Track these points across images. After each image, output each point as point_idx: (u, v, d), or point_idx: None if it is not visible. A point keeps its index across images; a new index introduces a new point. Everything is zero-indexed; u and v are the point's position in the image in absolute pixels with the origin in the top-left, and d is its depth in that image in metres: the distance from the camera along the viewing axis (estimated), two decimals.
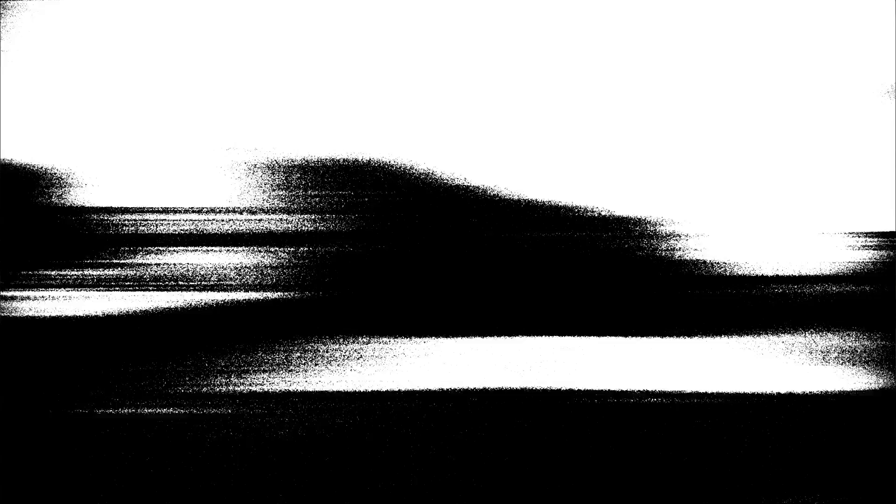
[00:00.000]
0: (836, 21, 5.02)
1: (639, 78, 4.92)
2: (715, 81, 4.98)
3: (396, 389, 4.03)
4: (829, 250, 4.63)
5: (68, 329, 4.17)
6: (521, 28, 4.86)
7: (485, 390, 4.03)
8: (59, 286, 4.26)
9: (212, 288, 4.28)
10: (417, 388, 4.03)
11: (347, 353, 4.21)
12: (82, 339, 4.16)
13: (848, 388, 4.12)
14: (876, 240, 4.53)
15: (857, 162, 4.91)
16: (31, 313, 4.19)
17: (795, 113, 4.96)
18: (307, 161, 4.46)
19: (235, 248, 4.35)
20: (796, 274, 4.48)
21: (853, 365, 4.23)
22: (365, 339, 4.23)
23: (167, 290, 4.26)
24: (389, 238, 4.36)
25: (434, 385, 4.06)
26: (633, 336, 4.24)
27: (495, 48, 4.84)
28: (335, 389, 4.07)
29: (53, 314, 4.19)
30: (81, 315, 4.20)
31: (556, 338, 4.25)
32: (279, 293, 4.29)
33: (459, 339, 4.22)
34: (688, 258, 4.46)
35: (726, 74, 5.00)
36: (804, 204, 4.81)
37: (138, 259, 4.32)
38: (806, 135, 4.95)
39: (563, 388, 4.05)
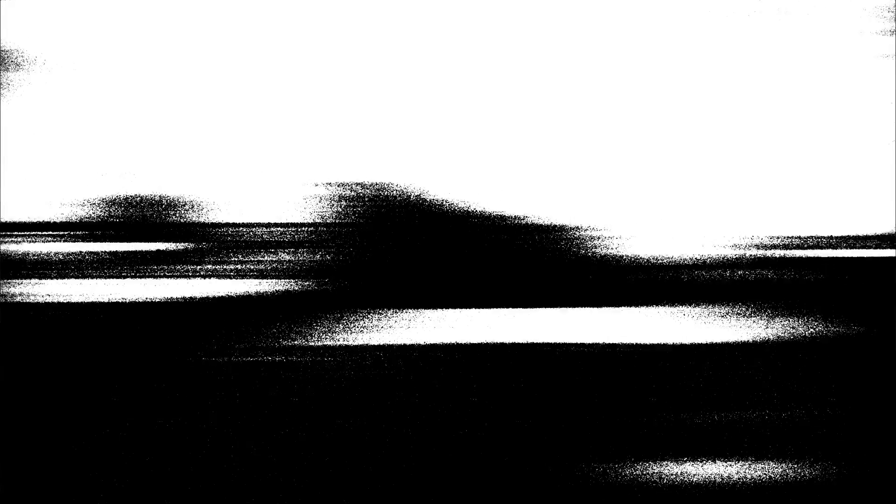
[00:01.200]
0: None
1: (585, 105, 5.90)
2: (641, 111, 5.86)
3: (413, 343, 5.69)
4: (730, 244, 5.82)
5: (199, 304, 5.89)
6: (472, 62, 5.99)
7: (474, 344, 5.68)
8: (191, 276, 6.00)
9: (291, 276, 5.99)
10: (430, 342, 5.69)
11: (380, 320, 5.91)
12: (208, 310, 5.84)
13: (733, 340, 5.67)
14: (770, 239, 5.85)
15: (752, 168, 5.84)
16: (176, 295, 5.95)
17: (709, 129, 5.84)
18: (333, 186, 5.93)
19: (300, 250, 6.00)
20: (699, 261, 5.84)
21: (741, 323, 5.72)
22: (391, 311, 5.90)
23: (266, 278, 5.98)
24: (400, 241, 5.91)
25: (442, 340, 5.71)
26: (576, 307, 5.81)
27: (479, 90, 5.98)
28: (374, 343, 5.73)
29: (191, 296, 5.91)
30: (206, 295, 5.94)
31: (522, 309, 5.82)
32: (334, 282, 5.91)
33: (458, 309, 5.82)
34: (618, 253, 5.89)
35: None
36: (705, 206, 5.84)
37: (242, 258, 6.03)
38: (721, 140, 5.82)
39: (532, 342, 5.64)
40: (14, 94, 5.98)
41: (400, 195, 6.00)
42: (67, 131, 6.06)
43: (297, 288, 5.98)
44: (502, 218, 5.95)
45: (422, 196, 5.99)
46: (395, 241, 5.98)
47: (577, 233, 5.93)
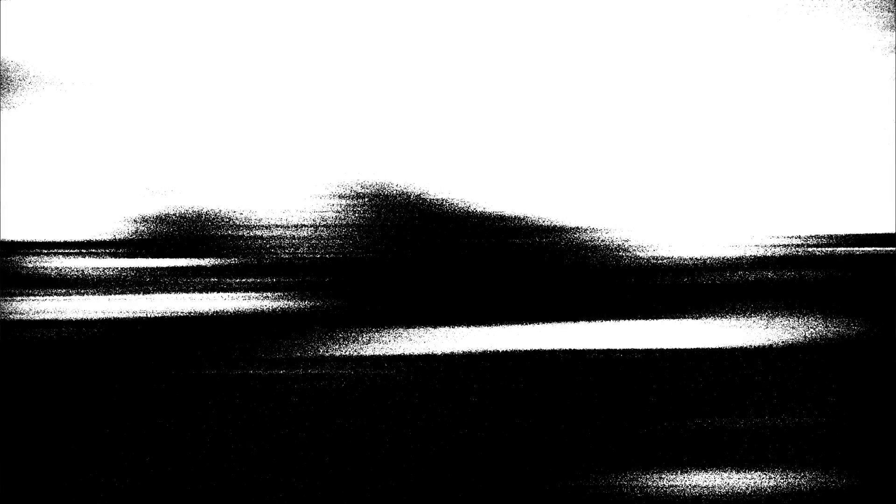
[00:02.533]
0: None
1: (591, 106, 5.86)
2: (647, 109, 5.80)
3: (417, 353, 5.73)
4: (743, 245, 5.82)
5: (217, 318, 5.92)
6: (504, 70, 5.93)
7: (477, 354, 5.73)
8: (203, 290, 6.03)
9: (298, 290, 5.97)
10: (432, 353, 5.72)
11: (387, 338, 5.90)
12: (224, 324, 5.88)
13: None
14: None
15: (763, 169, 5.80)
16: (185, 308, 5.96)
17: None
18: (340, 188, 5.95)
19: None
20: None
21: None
22: (397, 329, 5.85)
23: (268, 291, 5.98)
24: (404, 246, 5.84)
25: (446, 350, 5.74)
26: (588, 320, 5.77)
27: (490, 91, 5.94)
28: (384, 354, 5.77)
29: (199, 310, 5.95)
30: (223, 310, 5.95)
31: (533, 325, 5.75)
32: (338, 299, 5.89)
33: (469, 327, 5.73)
34: (626, 256, 5.85)
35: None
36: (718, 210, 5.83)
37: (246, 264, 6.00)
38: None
39: (535, 350, 5.67)
40: (45, 113, 6.02)
41: (403, 196, 5.96)
42: (83, 152, 6.11)
43: (305, 304, 5.97)
44: (509, 219, 5.91)
45: (426, 197, 5.95)
46: (398, 247, 5.96)
47: (588, 235, 5.88)
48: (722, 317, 5.73)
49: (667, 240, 5.89)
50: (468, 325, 5.74)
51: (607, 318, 5.73)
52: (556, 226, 5.88)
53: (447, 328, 5.75)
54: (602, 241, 5.90)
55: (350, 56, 6.04)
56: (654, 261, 5.87)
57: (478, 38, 5.93)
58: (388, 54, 6.01)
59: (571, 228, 5.88)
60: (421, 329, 5.78)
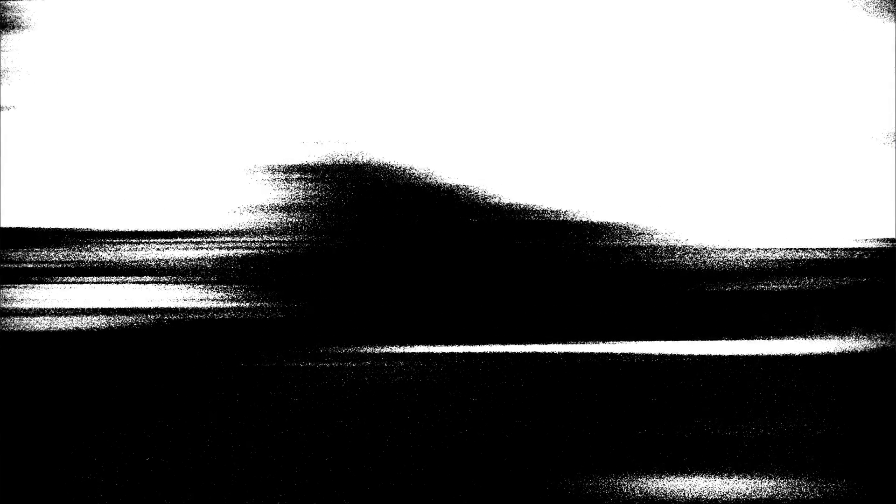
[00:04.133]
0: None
1: (627, 88, 5.50)
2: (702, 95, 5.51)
3: (410, 352, 5.53)
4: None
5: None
6: (510, 37, 5.50)
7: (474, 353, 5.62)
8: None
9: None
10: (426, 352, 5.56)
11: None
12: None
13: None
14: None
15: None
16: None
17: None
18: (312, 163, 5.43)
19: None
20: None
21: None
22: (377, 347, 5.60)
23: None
24: (393, 241, 5.37)
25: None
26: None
27: (487, 55, 5.48)
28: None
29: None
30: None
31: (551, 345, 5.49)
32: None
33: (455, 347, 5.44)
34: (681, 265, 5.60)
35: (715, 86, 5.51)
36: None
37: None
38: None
39: (535, 352, 5.50)
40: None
41: (396, 176, 5.46)
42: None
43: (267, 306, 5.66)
44: (519, 211, 5.46)
45: (426, 179, 5.48)
46: (378, 238, 5.48)
47: (593, 234, 5.50)
48: (735, 332, 5.65)
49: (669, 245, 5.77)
50: (462, 344, 5.44)
51: (617, 340, 5.55)
52: (562, 221, 5.49)
53: (432, 347, 5.47)
54: (605, 242, 5.65)
55: (342, 18, 5.72)
56: (656, 268, 5.70)
57: (487, 15, 5.66)
58: (387, 21, 5.70)
59: (578, 224, 5.51)
60: (400, 347, 5.49)
